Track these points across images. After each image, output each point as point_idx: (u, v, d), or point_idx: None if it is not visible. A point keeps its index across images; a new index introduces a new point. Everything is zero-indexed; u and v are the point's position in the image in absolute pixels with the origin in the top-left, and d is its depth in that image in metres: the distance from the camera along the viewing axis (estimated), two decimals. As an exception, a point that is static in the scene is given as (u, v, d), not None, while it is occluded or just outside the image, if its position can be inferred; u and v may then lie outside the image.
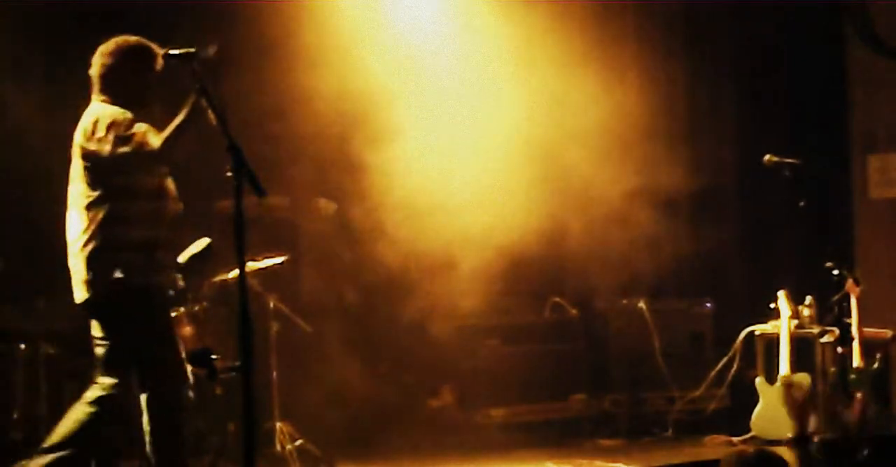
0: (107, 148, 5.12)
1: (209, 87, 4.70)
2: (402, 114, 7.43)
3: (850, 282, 6.37)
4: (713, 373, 8.01)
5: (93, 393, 5.32)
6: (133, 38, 5.35)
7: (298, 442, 6.76)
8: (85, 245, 5.24)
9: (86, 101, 5.39)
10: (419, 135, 7.39)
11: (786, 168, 6.13)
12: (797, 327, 7.47)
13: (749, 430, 7.46)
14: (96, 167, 5.21)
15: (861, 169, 8.74)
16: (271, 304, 6.92)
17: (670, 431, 8.00)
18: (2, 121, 7.04)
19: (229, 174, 4.33)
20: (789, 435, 6.58)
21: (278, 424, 6.78)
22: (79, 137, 5.27)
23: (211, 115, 4.61)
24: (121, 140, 5.10)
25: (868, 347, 7.08)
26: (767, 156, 6.20)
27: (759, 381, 7.46)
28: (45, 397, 6.36)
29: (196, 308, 6.84)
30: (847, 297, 6.40)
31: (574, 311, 8.25)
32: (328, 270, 7.75)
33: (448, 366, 7.99)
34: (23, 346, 6.54)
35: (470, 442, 7.61)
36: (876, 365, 7.10)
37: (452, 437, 7.72)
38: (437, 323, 7.84)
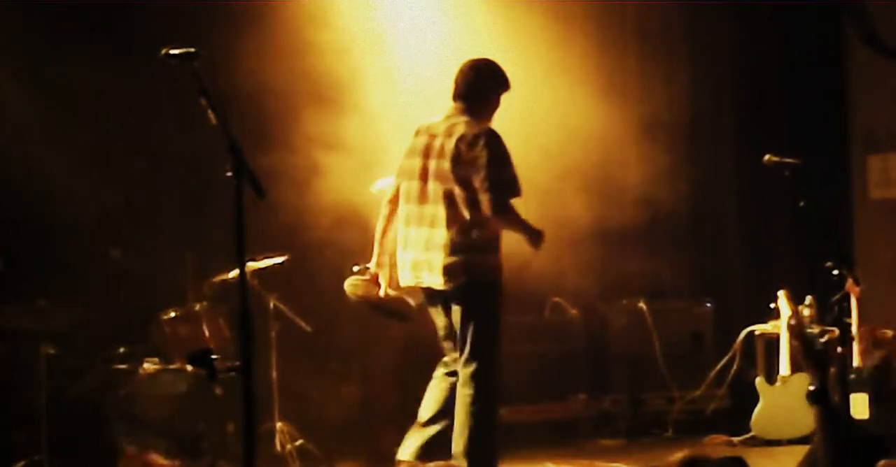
0: None
1: (209, 87, 4.69)
2: (402, 114, 7.43)
3: (850, 282, 6.35)
4: (713, 373, 8.02)
5: (446, 368, 5.97)
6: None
7: (298, 442, 6.77)
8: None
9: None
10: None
11: (786, 168, 6.11)
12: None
13: (749, 430, 7.47)
14: None
15: (861, 169, 8.75)
16: (271, 304, 6.92)
17: (670, 431, 8.00)
18: (1, 122, 7.04)
19: (229, 174, 4.32)
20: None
21: (278, 424, 6.78)
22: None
23: (211, 115, 4.61)
24: None
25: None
26: (767, 156, 6.18)
27: (759, 381, 7.47)
28: (45, 397, 6.36)
29: (197, 307, 6.86)
30: (847, 297, 6.38)
31: (574, 311, 8.25)
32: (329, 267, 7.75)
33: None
34: (23, 346, 6.54)
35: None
36: (876, 365, 7.10)
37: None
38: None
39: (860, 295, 6.76)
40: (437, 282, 5.79)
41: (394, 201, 6.00)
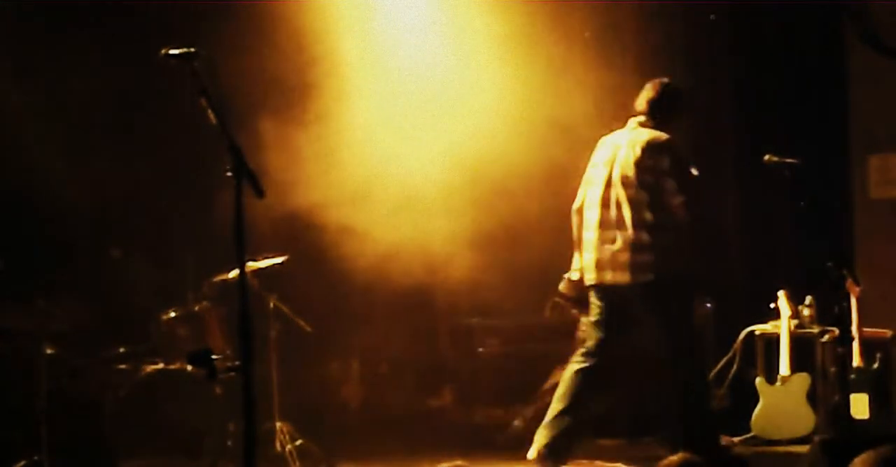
0: None
1: (209, 87, 4.69)
2: (403, 113, 7.44)
3: (850, 282, 6.36)
4: (713, 373, 8.01)
5: (583, 361, 6.46)
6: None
7: (298, 442, 6.77)
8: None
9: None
10: (419, 133, 7.40)
11: (786, 168, 6.12)
12: (797, 327, 7.48)
13: (749, 430, 7.47)
14: None
15: (861, 169, 8.74)
16: (271, 304, 6.93)
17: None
18: (1, 122, 7.05)
19: (229, 174, 4.32)
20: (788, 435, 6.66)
21: (278, 424, 6.79)
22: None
23: (211, 115, 4.61)
24: None
25: (868, 347, 7.09)
26: (767, 156, 6.20)
27: (759, 381, 7.47)
28: (45, 397, 6.36)
29: (197, 307, 6.86)
30: (847, 297, 6.39)
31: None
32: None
33: (448, 366, 7.99)
34: (23, 346, 6.54)
35: (470, 442, 7.61)
36: (876, 365, 7.10)
37: (452, 437, 7.72)
38: (436, 323, 7.83)
39: (860, 295, 6.78)
40: (624, 278, 6.26)
41: (580, 211, 6.50)
